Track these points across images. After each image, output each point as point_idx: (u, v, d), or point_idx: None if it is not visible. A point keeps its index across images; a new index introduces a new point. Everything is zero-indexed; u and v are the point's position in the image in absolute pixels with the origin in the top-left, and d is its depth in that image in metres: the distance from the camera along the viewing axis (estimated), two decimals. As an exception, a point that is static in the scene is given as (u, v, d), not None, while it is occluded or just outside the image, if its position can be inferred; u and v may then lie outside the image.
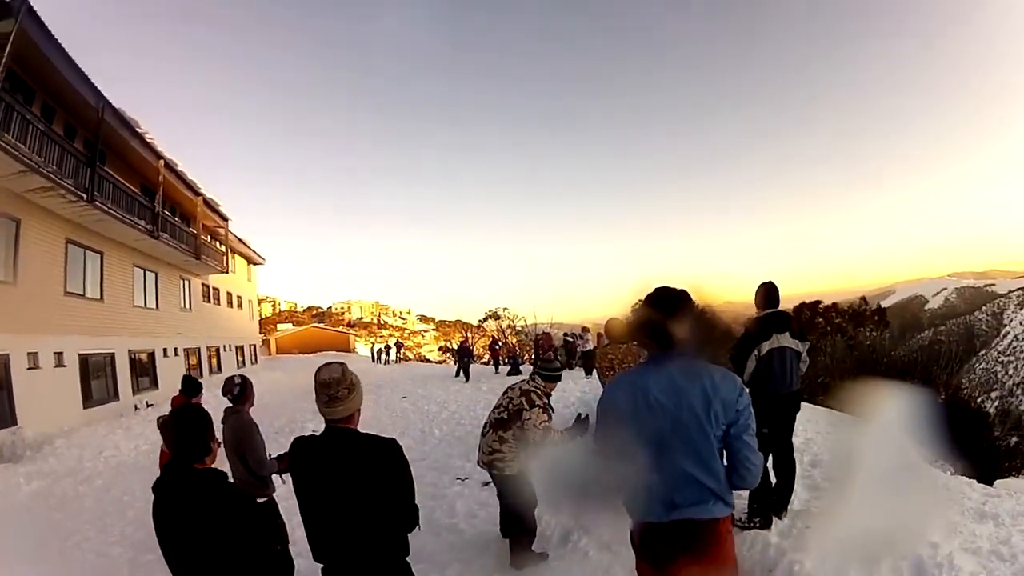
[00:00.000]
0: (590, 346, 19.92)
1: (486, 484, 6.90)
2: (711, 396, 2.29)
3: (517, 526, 5.05)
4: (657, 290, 2.49)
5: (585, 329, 22.96)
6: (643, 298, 2.52)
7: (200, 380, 6.96)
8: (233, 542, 2.47)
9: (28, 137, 11.58)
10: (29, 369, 12.61)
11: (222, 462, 4.34)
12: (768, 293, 5.07)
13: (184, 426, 2.67)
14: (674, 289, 2.47)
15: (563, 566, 4.82)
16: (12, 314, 12.22)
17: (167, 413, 3.11)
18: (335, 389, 2.48)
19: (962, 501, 5.09)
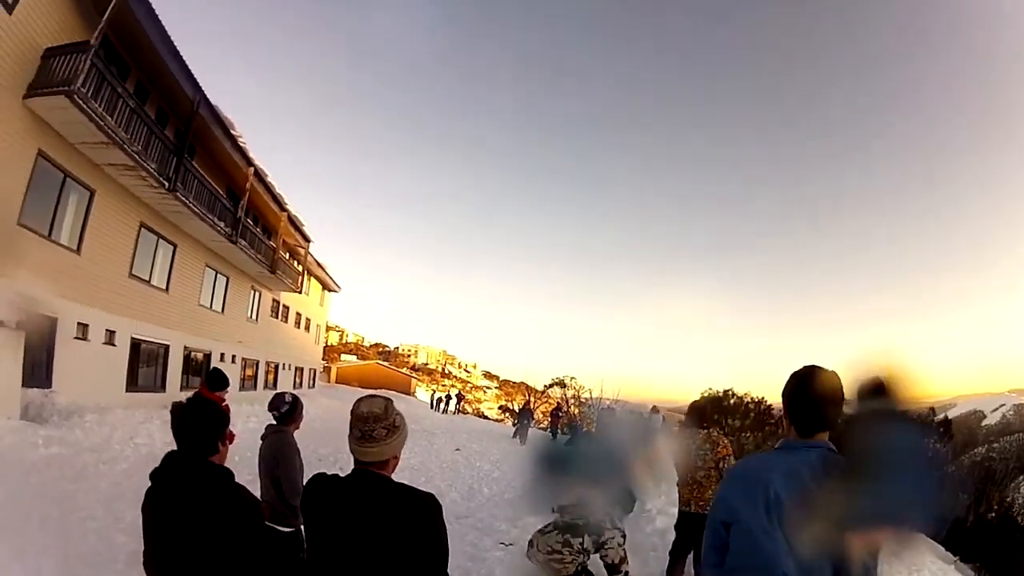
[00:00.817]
0: (659, 426, 19.11)
1: (510, 542, 6.84)
2: None
3: None
4: (812, 368, 2.20)
5: (655, 409, 22.14)
6: (795, 373, 2.22)
7: (227, 376, 6.72)
8: (230, 548, 2.21)
9: (116, 111, 11.68)
10: (76, 339, 12.50)
11: (253, 484, 4.04)
12: (878, 388, 4.53)
13: (194, 416, 2.44)
14: (829, 371, 2.18)
15: None
16: (69, 281, 12.17)
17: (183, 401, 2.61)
18: (372, 426, 2.08)
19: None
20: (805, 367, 2.20)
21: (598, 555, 5.04)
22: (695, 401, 6.46)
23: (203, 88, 14.90)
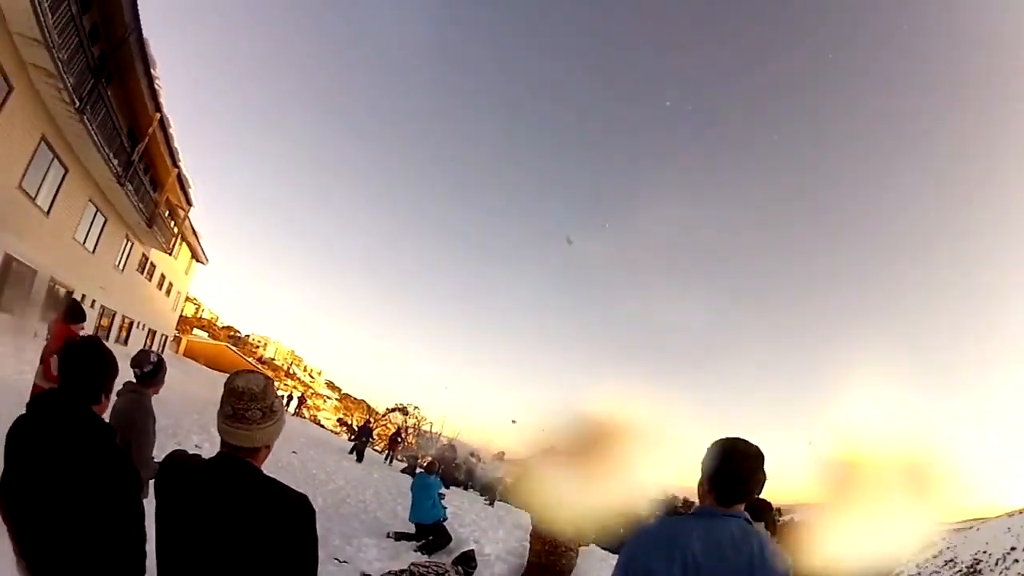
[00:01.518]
0: (500, 473, 19.94)
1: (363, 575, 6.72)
2: (755, 574, 1.98)
3: None
4: (737, 440, 2.23)
5: (501, 454, 22.99)
6: (721, 441, 2.24)
7: (85, 311, 6.48)
8: (95, 508, 1.90)
9: (59, 11, 11.32)
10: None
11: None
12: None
13: (86, 359, 2.22)
14: (753, 444, 2.23)
15: None
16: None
17: (72, 340, 2.53)
18: (247, 405, 1.82)
19: None
20: (729, 438, 2.23)
21: None
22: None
23: (141, 20, 14.52)
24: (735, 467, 2.15)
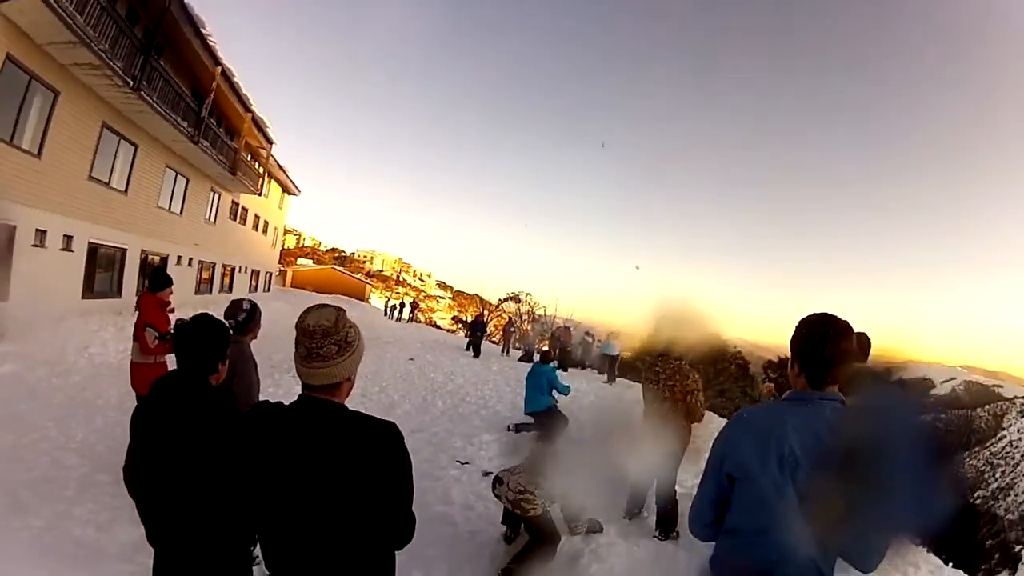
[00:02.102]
0: (616, 352, 19.40)
1: (487, 474, 6.51)
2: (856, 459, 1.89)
3: (530, 548, 4.61)
4: (822, 316, 2.09)
5: (616, 333, 22.54)
6: (806, 319, 2.11)
7: (169, 276, 6.33)
8: (222, 473, 2.02)
9: (87, 9, 11.08)
10: (34, 246, 12.15)
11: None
12: (859, 345, 4.38)
13: (196, 335, 2.43)
14: (840, 320, 2.07)
15: None
16: (28, 187, 11.72)
17: (187, 318, 2.64)
18: (320, 342, 1.78)
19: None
20: (819, 315, 2.11)
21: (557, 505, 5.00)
22: (667, 329, 6.30)
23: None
24: (822, 346, 2.04)
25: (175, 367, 2.42)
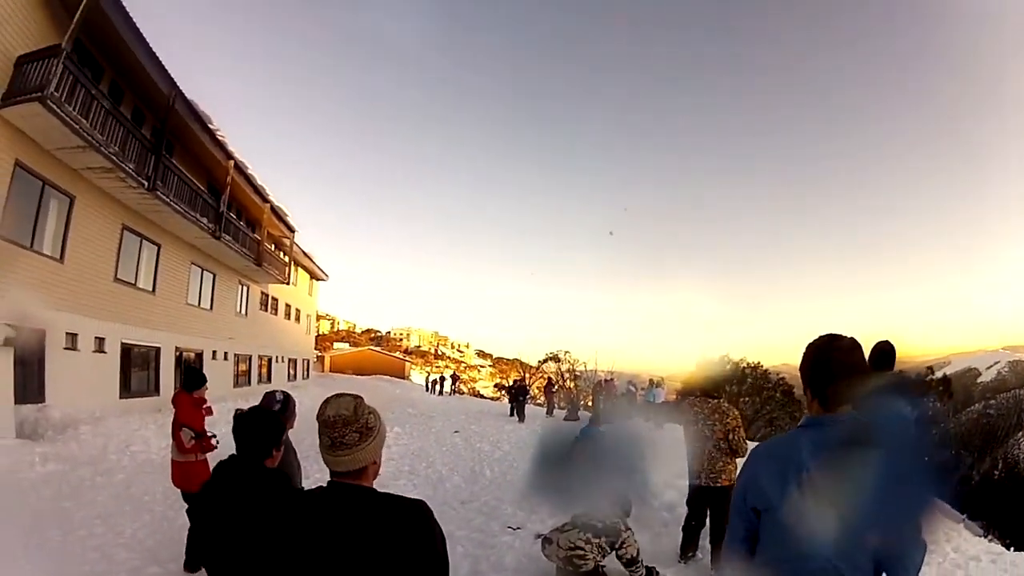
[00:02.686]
0: (661, 398, 19.40)
1: (539, 536, 6.22)
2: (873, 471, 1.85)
3: None
4: (830, 338, 2.07)
5: (658, 382, 22.46)
6: (812, 343, 2.10)
7: (204, 374, 6.47)
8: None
9: (91, 113, 11.40)
10: (66, 349, 12.30)
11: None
12: (884, 353, 4.63)
13: (251, 424, 2.71)
14: (846, 338, 2.06)
15: None
16: (55, 292, 11.94)
17: (245, 408, 2.92)
18: (342, 431, 1.80)
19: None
20: (825, 336, 2.09)
21: (614, 553, 5.02)
22: (703, 369, 6.46)
23: (178, 84, 14.53)
24: (828, 366, 2.01)
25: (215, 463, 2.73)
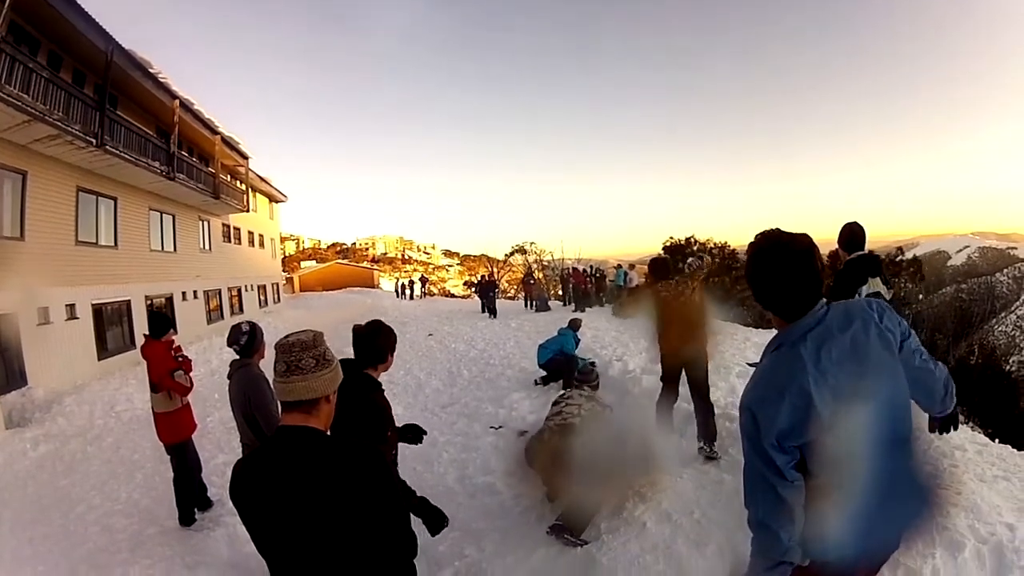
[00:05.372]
0: (634, 283, 19.61)
1: (522, 433, 6.38)
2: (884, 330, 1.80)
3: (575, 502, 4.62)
4: (777, 240, 1.81)
5: (632, 266, 22.69)
6: (757, 243, 1.85)
7: (169, 318, 6.43)
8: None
9: (32, 87, 11.10)
10: (40, 325, 12.38)
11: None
12: (854, 234, 4.80)
13: (373, 332, 3.18)
14: (797, 238, 1.80)
15: (617, 539, 4.22)
16: (19, 270, 11.87)
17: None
18: (300, 355, 1.82)
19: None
20: (766, 242, 1.84)
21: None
22: (655, 257, 6.20)
23: (114, 38, 13.99)
24: (786, 280, 1.79)
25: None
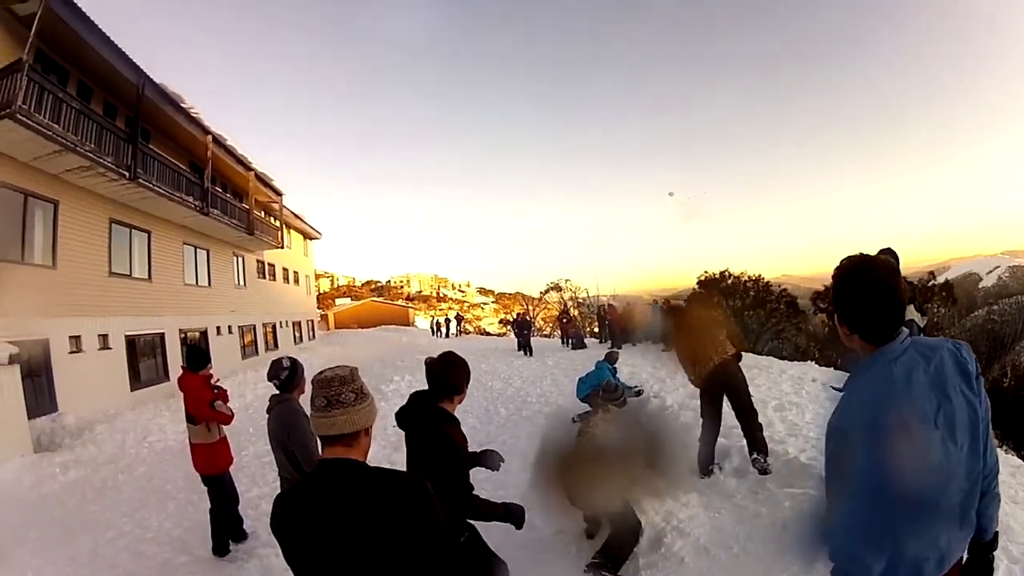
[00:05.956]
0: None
1: None
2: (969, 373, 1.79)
3: (613, 538, 4.54)
4: (867, 262, 1.85)
5: (667, 302, 22.49)
6: (845, 267, 1.88)
7: (207, 351, 6.49)
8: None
9: (62, 117, 11.27)
10: (71, 353, 12.44)
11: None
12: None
13: (446, 365, 3.19)
14: (888, 261, 1.86)
15: (656, 574, 4.16)
16: (51, 298, 12.02)
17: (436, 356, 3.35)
18: (339, 389, 1.83)
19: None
20: (857, 264, 1.87)
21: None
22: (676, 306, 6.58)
23: (144, 71, 14.26)
24: (873, 302, 1.83)
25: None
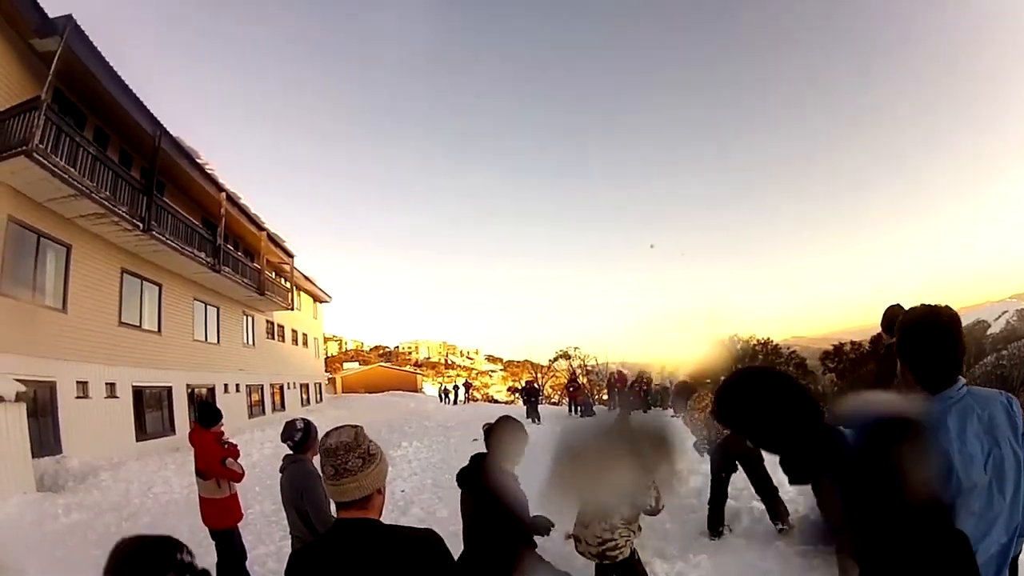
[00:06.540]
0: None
1: (569, 536, 6.21)
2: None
3: None
4: (931, 312, 1.96)
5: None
6: (910, 318, 2.01)
7: (219, 409, 6.36)
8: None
9: (79, 161, 11.42)
10: (78, 398, 12.34)
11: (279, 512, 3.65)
12: (896, 317, 4.59)
13: (493, 429, 3.67)
14: (950, 311, 1.97)
15: None
16: (60, 341, 11.96)
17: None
18: (345, 457, 1.82)
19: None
20: (922, 313, 1.97)
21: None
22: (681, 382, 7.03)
23: (162, 123, 14.59)
24: (936, 351, 1.93)
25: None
